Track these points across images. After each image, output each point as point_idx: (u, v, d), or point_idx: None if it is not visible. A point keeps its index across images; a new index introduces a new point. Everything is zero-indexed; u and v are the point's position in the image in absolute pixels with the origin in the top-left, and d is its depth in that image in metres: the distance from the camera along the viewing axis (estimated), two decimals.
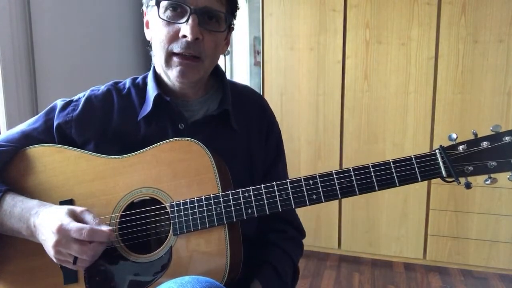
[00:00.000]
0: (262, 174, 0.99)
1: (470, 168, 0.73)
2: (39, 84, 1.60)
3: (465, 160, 0.73)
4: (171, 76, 0.88)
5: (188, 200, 0.81)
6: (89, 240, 0.76)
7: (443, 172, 0.73)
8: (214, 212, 0.79)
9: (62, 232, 0.75)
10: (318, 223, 2.62)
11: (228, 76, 1.03)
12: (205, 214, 0.79)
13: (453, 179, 0.74)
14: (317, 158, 2.59)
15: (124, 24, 2.25)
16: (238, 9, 0.92)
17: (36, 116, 0.97)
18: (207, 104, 0.96)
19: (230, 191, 0.80)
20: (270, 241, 0.98)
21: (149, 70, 0.98)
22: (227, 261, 0.78)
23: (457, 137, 0.75)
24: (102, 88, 0.98)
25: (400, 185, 0.75)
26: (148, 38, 0.94)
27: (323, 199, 0.77)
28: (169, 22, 0.84)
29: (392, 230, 2.51)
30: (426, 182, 2.42)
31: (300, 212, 1.00)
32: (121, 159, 0.87)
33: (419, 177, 0.74)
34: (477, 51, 2.27)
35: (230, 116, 0.94)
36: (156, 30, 0.86)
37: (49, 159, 0.90)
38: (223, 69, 1.04)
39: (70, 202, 0.87)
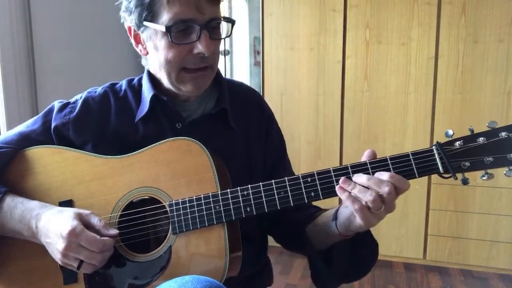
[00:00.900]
0: (266, 171, 0.99)
1: (467, 163, 0.73)
2: (39, 84, 1.60)
3: (462, 156, 0.73)
4: (184, 89, 0.88)
5: (187, 199, 0.81)
6: (99, 251, 0.76)
7: (440, 168, 0.74)
8: (213, 211, 0.79)
9: (73, 237, 0.75)
10: None
11: (228, 76, 1.03)
12: (204, 212, 0.80)
13: (450, 175, 0.74)
14: (317, 158, 2.59)
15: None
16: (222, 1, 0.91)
17: (34, 118, 0.97)
18: (204, 103, 0.96)
19: (229, 190, 0.80)
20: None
21: None
22: (226, 260, 0.78)
23: (453, 133, 0.75)
24: (99, 90, 0.98)
25: None
26: (144, 57, 0.93)
27: (321, 196, 0.77)
28: (182, 44, 0.83)
29: (392, 230, 2.51)
30: (426, 182, 2.42)
31: None
32: (120, 159, 0.87)
33: (416, 173, 0.74)
34: (477, 51, 2.27)
35: (228, 114, 0.94)
36: (164, 53, 0.84)
37: (48, 160, 0.90)
38: (223, 69, 1.04)
39: (69, 202, 0.87)
